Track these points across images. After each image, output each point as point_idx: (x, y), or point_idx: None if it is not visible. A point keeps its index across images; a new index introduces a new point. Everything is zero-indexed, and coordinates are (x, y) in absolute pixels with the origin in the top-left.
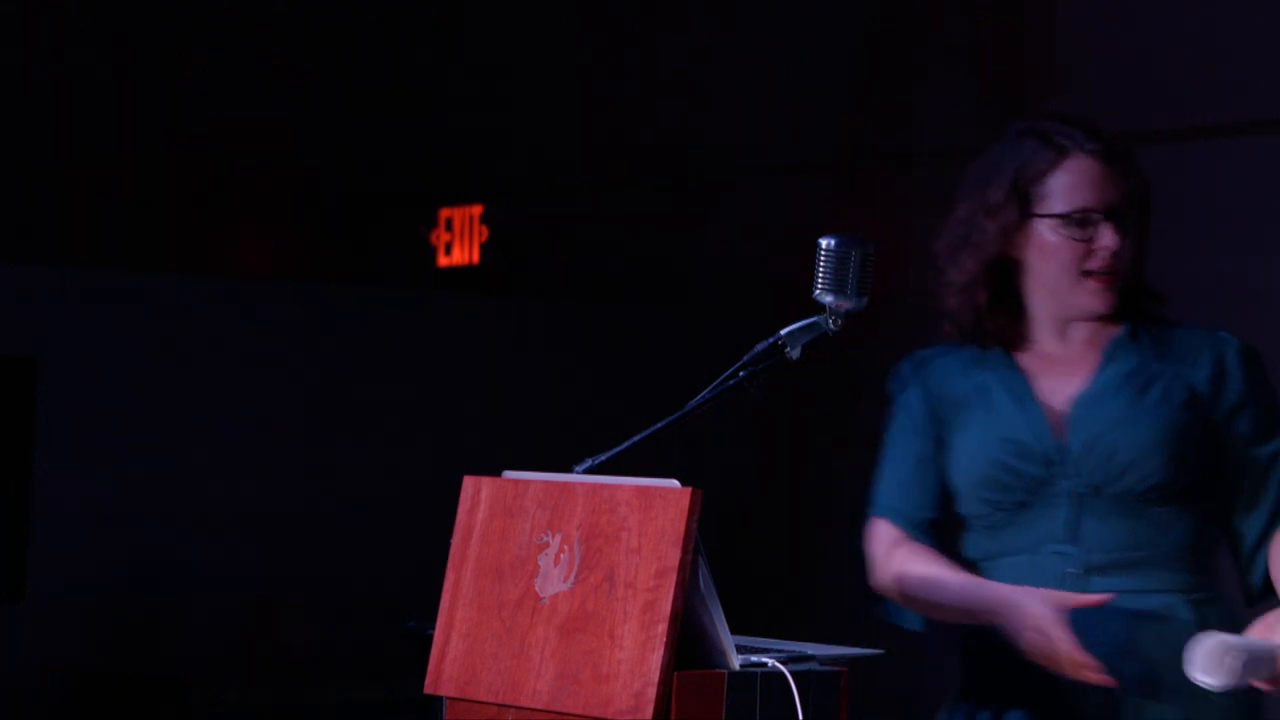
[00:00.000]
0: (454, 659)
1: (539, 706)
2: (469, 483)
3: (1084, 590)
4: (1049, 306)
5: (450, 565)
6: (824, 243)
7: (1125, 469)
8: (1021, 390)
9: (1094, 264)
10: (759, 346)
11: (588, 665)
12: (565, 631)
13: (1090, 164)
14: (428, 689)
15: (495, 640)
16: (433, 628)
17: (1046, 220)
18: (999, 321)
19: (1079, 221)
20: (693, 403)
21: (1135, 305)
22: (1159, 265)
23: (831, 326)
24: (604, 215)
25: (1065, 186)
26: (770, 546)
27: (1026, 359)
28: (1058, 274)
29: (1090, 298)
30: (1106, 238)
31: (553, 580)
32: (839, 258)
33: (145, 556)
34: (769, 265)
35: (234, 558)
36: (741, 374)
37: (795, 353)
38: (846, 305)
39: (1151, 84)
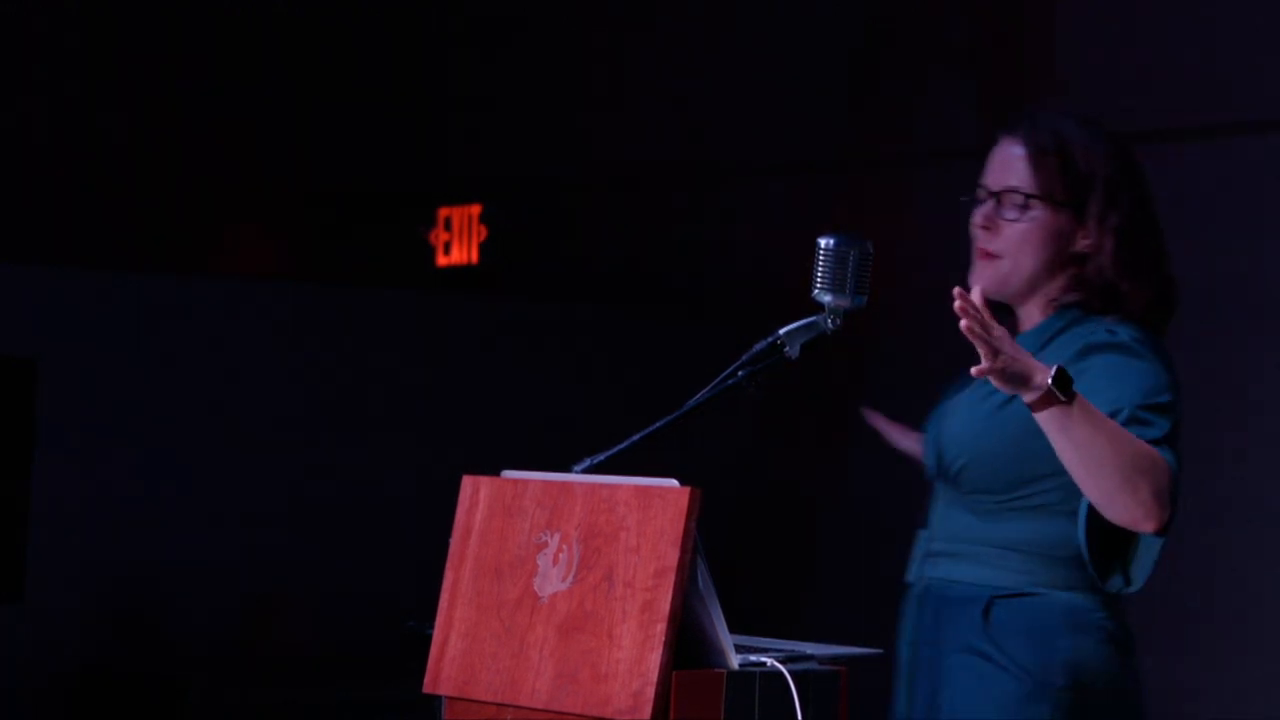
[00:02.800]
0: (453, 658)
1: (538, 706)
2: (468, 482)
3: (921, 575)
4: None
5: (449, 565)
6: (823, 242)
7: (946, 460)
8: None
9: (975, 240)
10: (758, 346)
11: (586, 665)
12: (564, 631)
13: (1003, 147)
14: (427, 688)
15: (494, 640)
16: (432, 627)
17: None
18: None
19: (977, 198)
20: (692, 402)
21: (1091, 299)
22: None
23: (830, 326)
24: (603, 215)
25: (985, 167)
26: (770, 546)
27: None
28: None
29: (972, 273)
30: (977, 216)
31: (551, 580)
32: (837, 257)
33: (145, 556)
34: (769, 265)
35: (234, 557)
36: (740, 373)
37: (794, 352)
38: (845, 304)
39: (1151, 84)
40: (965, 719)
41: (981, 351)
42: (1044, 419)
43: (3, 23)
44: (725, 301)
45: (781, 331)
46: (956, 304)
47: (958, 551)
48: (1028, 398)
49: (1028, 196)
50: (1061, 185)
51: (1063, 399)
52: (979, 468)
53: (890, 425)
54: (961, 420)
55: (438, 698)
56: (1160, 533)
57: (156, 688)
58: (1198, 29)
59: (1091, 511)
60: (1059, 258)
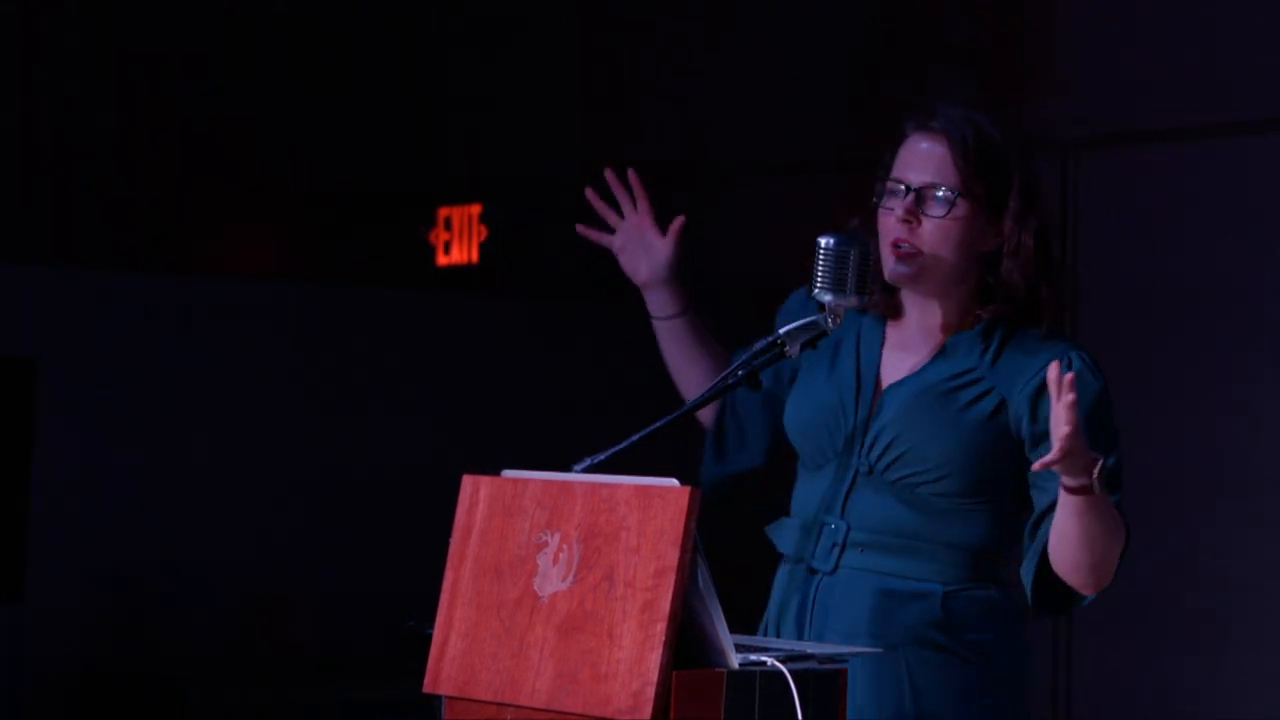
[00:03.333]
0: (453, 658)
1: (538, 706)
2: (468, 482)
3: (840, 564)
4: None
5: (449, 564)
6: (823, 242)
7: (901, 460)
8: (867, 359)
9: (889, 235)
10: (758, 345)
11: (586, 664)
12: (564, 631)
13: (920, 141)
14: (427, 688)
15: (494, 639)
16: (432, 627)
17: (879, 190)
18: (880, 293)
19: (890, 192)
20: (692, 402)
21: (1017, 306)
22: (1158, 265)
23: (830, 325)
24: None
25: (897, 160)
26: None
27: (892, 330)
28: (880, 243)
29: (889, 268)
30: (897, 209)
31: (552, 579)
32: (838, 257)
33: (145, 556)
34: (769, 265)
35: (234, 557)
36: (741, 373)
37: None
38: (845, 304)
39: (1151, 84)
40: (932, 710)
41: (1071, 427)
42: (1072, 501)
43: (3, 23)
44: (725, 301)
45: (782, 331)
46: (1068, 377)
47: (894, 546)
48: (1073, 483)
49: (956, 193)
50: (983, 184)
51: (1097, 491)
52: (959, 477)
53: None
54: (924, 424)
55: (438, 698)
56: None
57: (156, 688)
58: (1198, 29)
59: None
60: (973, 255)
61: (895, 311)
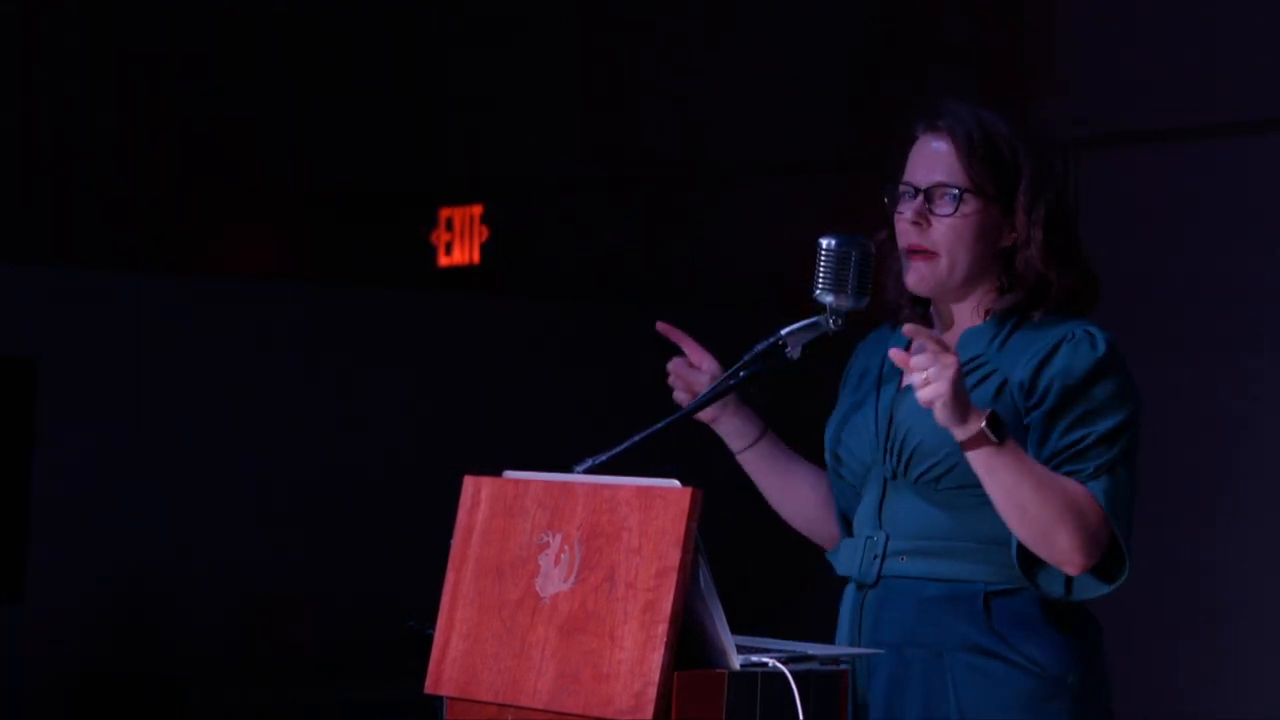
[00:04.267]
0: (454, 659)
1: (539, 706)
2: (469, 483)
3: (882, 572)
4: None
5: (450, 565)
6: (824, 242)
7: (915, 455)
8: (891, 369)
9: (903, 240)
10: (759, 346)
11: (588, 665)
12: (565, 631)
13: (926, 142)
14: (428, 689)
15: (495, 640)
16: (433, 628)
17: (891, 196)
18: (909, 307)
19: (901, 195)
20: (693, 403)
21: (1029, 296)
22: (1158, 265)
23: (832, 326)
24: (603, 215)
25: (907, 163)
26: (772, 546)
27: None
28: (900, 251)
29: (907, 273)
30: (906, 212)
31: (553, 580)
32: (839, 257)
33: (145, 556)
34: (769, 265)
35: (234, 557)
36: (742, 374)
37: (795, 352)
38: (846, 305)
39: (1151, 84)
40: (978, 718)
41: (935, 350)
42: (973, 458)
43: (3, 23)
44: (725, 301)
45: (783, 332)
46: (907, 327)
47: (933, 549)
48: (961, 434)
49: (962, 190)
50: (991, 178)
51: (994, 440)
52: (948, 460)
53: (692, 347)
54: (926, 412)
55: (439, 698)
56: (1106, 577)
57: (156, 688)
58: (1198, 29)
59: None
60: (990, 252)
61: (926, 324)
